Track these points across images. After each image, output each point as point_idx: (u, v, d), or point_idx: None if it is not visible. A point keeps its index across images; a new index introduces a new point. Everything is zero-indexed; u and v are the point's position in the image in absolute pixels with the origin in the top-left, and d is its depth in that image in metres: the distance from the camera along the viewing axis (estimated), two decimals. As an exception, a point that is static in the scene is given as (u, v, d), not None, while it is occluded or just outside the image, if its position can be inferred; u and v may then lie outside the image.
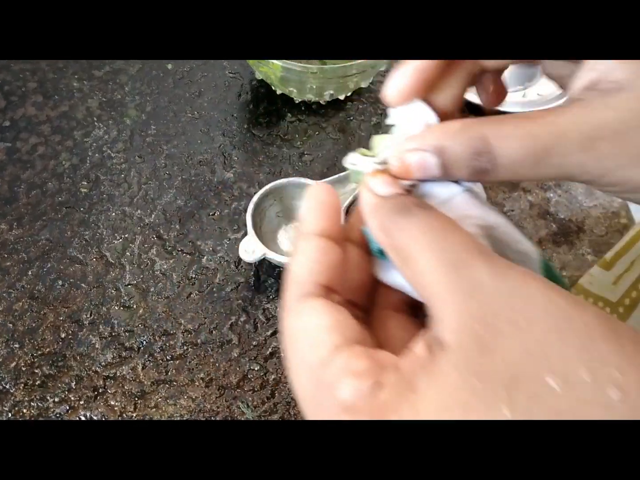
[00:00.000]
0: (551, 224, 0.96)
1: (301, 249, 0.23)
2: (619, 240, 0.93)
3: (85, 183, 0.51)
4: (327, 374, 0.20)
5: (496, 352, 0.16)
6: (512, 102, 1.01)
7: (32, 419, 0.40)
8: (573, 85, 0.24)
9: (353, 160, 0.26)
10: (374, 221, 0.23)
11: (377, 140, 0.26)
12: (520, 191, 0.98)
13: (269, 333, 0.45)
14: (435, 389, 0.17)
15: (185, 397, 0.42)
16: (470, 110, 1.03)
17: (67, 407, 0.41)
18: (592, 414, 0.15)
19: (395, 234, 0.21)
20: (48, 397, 0.41)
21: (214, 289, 0.47)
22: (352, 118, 0.57)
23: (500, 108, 1.02)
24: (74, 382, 0.42)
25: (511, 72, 1.05)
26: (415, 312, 0.25)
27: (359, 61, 0.49)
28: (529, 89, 1.06)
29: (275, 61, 0.48)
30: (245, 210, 0.46)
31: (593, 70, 0.23)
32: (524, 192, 0.98)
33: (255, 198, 0.46)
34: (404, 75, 0.25)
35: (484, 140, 0.23)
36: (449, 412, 0.16)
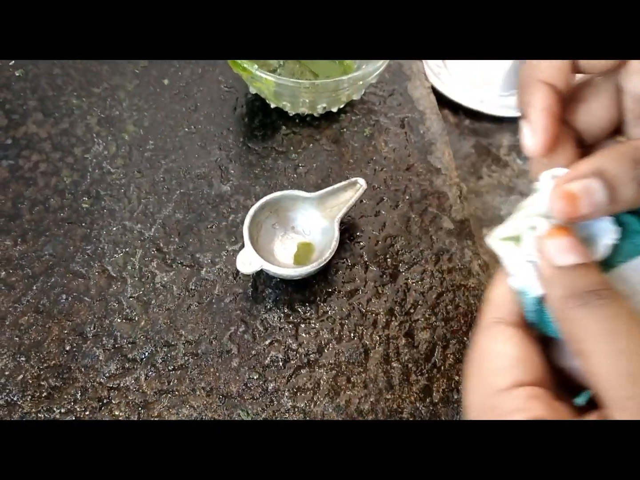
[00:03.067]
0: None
1: (501, 280, 0.25)
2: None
3: (86, 199, 0.52)
4: (503, 405, 0.22)
5: None
6: (508, 105, 1.02)
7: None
8: None
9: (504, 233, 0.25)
10: (552, 301, 0.22)
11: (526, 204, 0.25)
12: (517, 194, 1.00)
13: (267, 342, 0.46)
14: None
15: (187, 406, 0.43)
16: (468, 115, 1.04)
17: (73, 418, 0.43)
18: None
19: (571, 323, 0.22)
20: (54, 409, 0.43)
21: (213, 300, 0.48)
22: (345, 129, 0.59)
23: (497, 113, 1.03)
24: (79, 394, 0.44)
25: (506, 76, 1.05)
26: None
27: (350, 75, 0.50)
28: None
29: (268, 77, 0.50)
30: (242, 222, 0.47)
31: None
32: (522, 196, 0.99)
33: (251, 211, 0.48)
34: (539, 125, 0.25)
35: (637, 150, 0.22)
36: None
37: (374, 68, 0.52)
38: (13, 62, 0.60)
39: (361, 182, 0.50)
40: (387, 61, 0.53)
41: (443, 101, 1.06)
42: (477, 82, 1.08)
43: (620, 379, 0.20)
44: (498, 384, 0.22)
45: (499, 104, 1.04)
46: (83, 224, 0.51)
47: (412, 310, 0.49)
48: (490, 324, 0.24)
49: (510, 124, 1.06)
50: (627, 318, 0.21)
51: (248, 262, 0.45)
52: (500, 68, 1.11)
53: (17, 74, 0.60)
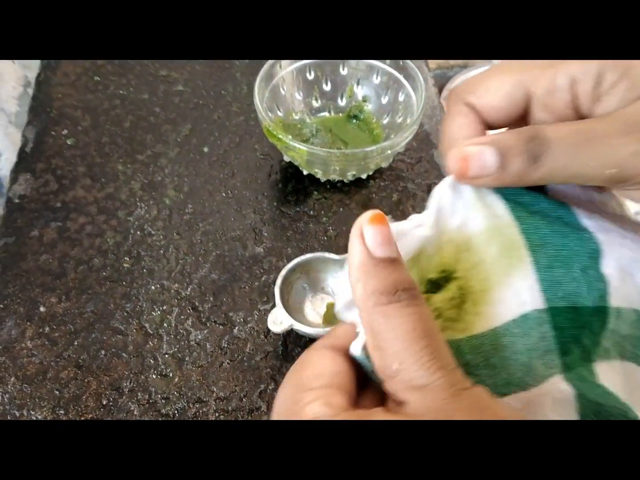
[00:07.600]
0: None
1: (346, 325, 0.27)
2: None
3: (128, 259, 0.55)
4: (305, 398, 0.23)
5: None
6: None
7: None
8: None
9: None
10: (358, 298, 0.24)
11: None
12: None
13: (296, 401, 0.47)
14: None
15: (217, 462, 0.44)
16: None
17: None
18: None
19: (373, 319, 0.23)
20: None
21: (245, 358, 0.50)
22: (374, 195, 0.61)
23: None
24: (114, 448, 0.45)
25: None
26: None
27: (378, 145, 0.53)
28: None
29: (301, 147, 0.53)
30: (274, 283, 0.49)
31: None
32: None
33: (283, 272, 0.50)
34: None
35: (536, 129, 0.25)
36: None
37: (401, 138, 0.55)
38: (66, 131, 0.65)
39: (389, 245, 0.51)
40: (414, 132, 0.56)
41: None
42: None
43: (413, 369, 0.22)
44: (310, 384, 0.24)
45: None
46: (123, 283, 0.54)
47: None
48: (321, 346, 0.27)
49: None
50: (425, 319, 0.23)
51: (279, 321, 0.47)
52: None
53: (69, 142, 0.64)
